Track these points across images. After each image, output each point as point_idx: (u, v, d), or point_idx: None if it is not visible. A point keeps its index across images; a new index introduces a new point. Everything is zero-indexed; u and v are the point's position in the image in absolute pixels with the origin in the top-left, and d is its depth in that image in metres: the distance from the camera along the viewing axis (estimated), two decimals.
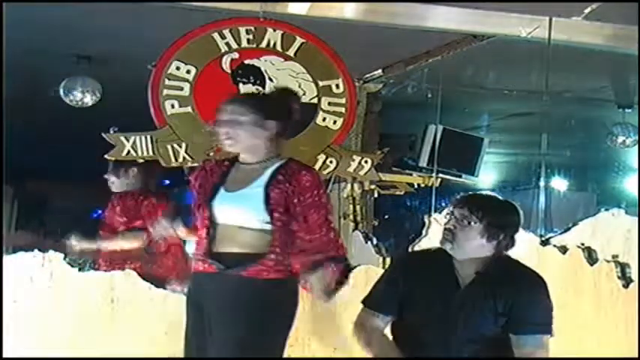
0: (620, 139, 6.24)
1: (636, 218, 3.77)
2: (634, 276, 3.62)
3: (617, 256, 3.65)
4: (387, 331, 2.60)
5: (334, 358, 3.25)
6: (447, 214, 2.54)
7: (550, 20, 3.85)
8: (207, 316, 2.55)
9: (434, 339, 2.46)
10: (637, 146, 6.12)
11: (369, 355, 2.57)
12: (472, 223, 2.47)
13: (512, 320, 2.46)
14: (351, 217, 5.04)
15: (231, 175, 2.65)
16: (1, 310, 2.82)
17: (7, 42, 3.43)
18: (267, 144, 2.62)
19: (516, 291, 2.47)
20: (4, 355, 2.78)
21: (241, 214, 2.56)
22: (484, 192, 2.76)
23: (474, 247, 2.49)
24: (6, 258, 2.90)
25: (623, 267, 3.62)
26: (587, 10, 3.76)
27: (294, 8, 3.74)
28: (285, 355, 2.64)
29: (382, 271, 3.00)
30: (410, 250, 3.35)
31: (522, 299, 2.47)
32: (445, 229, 2.51)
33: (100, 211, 4.30)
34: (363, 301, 2.63)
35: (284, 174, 2.58)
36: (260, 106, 2.63)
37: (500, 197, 2.61)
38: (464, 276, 2.50)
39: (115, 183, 3.79)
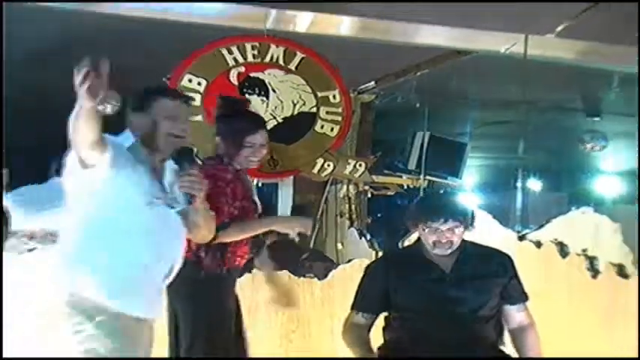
0: (589, 145, 6.40)
1: (604, 216, 3.96)
2: (601, 268, 3.79)
3: (586, 250, 3.83)
4: (373, 329, 2.73)
5: (334, 358, 3.31)
6: (428, 230, 2.63)
7: (526, 37, 4.00)
8: None
9: (433, 324, 2.61)
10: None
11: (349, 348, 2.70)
12: (461, 227, 2.66)
13: (508, 292, 2.69)
14: (347, 215, 5.11)
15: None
16: (1, 310, 2.80)
17: (8, 42, 3.49)
18: None
19: (504, 267, 2.71)
20: (4, 355, 2.75)
21: None
22: (439, 193, 2.75)
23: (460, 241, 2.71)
24: (6, 258, 2.93)
25: (591, 260, 3.82)
26: (559, 29, 3.88)
27: (295, 26, 3.86)
28: None
29: None
30: (397, 246, 3.49)
31: (512, 273, 2.71)
32: (443, 242, 2.63)
33: None
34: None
35: None
36: None
37: (455, 193, 2.73)
38: (443, 261, 2.68)
39: None
